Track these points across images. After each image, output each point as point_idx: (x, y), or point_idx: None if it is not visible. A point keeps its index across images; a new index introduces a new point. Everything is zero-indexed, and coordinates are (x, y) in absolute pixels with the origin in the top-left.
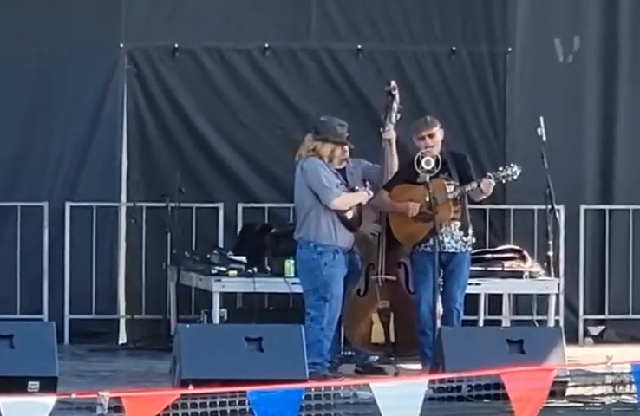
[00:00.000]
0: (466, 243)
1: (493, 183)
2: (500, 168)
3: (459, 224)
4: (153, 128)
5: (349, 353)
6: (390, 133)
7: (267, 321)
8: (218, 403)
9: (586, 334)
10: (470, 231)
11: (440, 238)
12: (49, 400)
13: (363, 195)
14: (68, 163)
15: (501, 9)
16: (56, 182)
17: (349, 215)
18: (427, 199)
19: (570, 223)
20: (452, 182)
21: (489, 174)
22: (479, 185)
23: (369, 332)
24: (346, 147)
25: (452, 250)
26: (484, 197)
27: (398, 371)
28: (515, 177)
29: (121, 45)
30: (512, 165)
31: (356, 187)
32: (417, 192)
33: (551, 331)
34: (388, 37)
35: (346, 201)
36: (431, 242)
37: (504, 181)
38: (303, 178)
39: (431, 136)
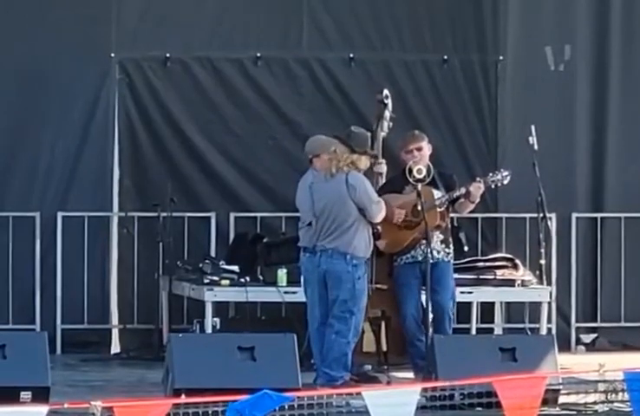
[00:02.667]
0: (447, 254)
1: (483, 187)
2: (490, 173)
3: (441, 237)
4: (144, 138)
5: None
6: (381, 167)
7: (259, 330)
8: (210, 412)
9: (578, 341)
10: (451, 247)
11: (423, 248)
12: (42, 410)
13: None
14: (59, 173)
15: (492, 17)
16: (48, 192)
17: (379, 227)
18: (417, 207)
19: (561, 231)
20: (440, 189)
21: (479, 179)
22: (467, 191)
23: (361, 341)
24: None
25: (433, 261)
26: (470, 209)
27: (391, 379)
28: (505, 182)
29: (112, 55)
30: (501, 170)
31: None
32: (404, 201)
33: (543, 339)
34: (379, 46)
35: (384, 214)
36: (413, 252)
37: (493, 186)
38: (350, 193)
39: (419, 149)
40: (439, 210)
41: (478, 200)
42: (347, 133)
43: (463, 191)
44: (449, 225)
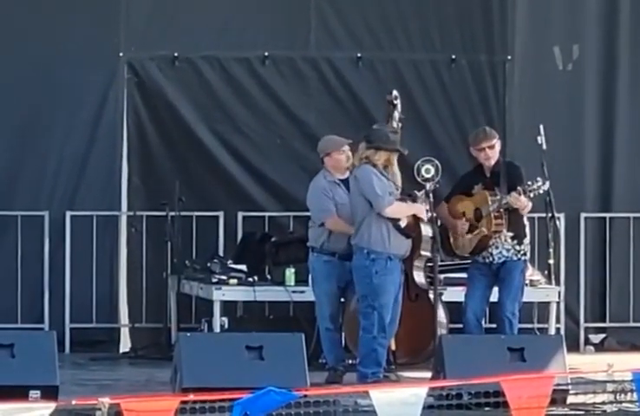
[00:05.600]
0: (518, 251)
1: (521, 197)
2: (529, 182)
3: (510, 234)
4: (152, 137)
5: (352, 361)
6: None
7: (267, 329)
8: (217, 407)
9: (587, 342)
10: (525, 241)
11: (490, 250)
12: (49, 406)
13: (419, 208)
14: (68, 172)
15: (500, 17)
16: (57, 191)
17: (403, 223)
18: (477, 210)
19: (570, 231)
20: (497, 195)
21: (519, 188)
22: (507, 202)
23: None
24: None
25: (502, 260)
26: (526, 211)
27: (399, 379)
28: (541, 191)
29: (121, 54)
30: (538, 179)
31: (417, 193)
32: (468, 204)
33: (552, 339)
34: (387, 46)
35: (398, 210)
36: (484, 253)
37: (532, 195)
38: (356, 186)
39: (491, 147)
40: (494, 214)
41: (524, 210)
42: (368, 130)
43: (505, 201)
44: (524, 221)
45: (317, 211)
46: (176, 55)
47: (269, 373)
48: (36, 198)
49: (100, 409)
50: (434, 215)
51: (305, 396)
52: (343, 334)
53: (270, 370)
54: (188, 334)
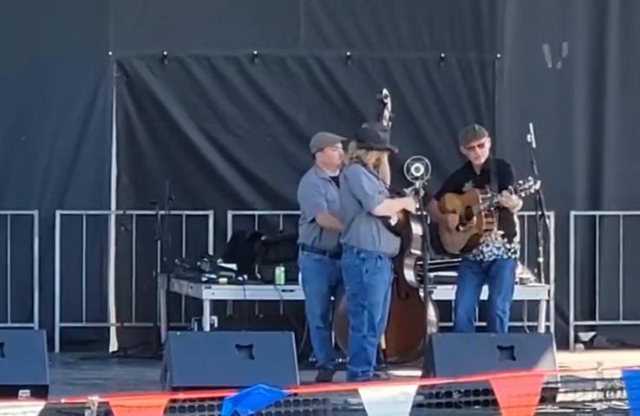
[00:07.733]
0: (509, 250)
1: (512, 196)
2: (520, 181)
3: (501, 232)
4: (142, 136)
5: (342, 360)
6: None
7: (257, 328)
8: (206, 406)
9: (577, 340)
10: (515, 239)
11: (480, 248)
12: (38, 404)
13: (408, 201)
14: (57, 171)
15: (490, 15)
16: (46, 190)
17: (393, 221)
18: (469, 208)
19: (560, 229)
20: (488, 193)
21: (510, 188)
22: (498, 201)
23: None
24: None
25: (492, 258)
26: (516, 209)
27: (389, 377)
28: (532, 190)
29: (110, 53)
30: (529, 178)
31: (406, 190)
32: (459, 202)
33: (541, 337)
34: (376, 44)
35: (389, 207)
36: (475, 251)
37: (523, 194)
38: (346, 186)
39: (480, 146)
40: (485, 213)
41: (514, 208)
42: (358, 129)
43: (496, 200)
44: (514, 219)
45: (309, 206)
46: (165, 53)
47: (259, 371)
48: (26, 197)
49: (89, 408)
50: (425, 213)
51: (295, 394)
52: (333, 332)
53: (260, 369)
54: (178, 333)
